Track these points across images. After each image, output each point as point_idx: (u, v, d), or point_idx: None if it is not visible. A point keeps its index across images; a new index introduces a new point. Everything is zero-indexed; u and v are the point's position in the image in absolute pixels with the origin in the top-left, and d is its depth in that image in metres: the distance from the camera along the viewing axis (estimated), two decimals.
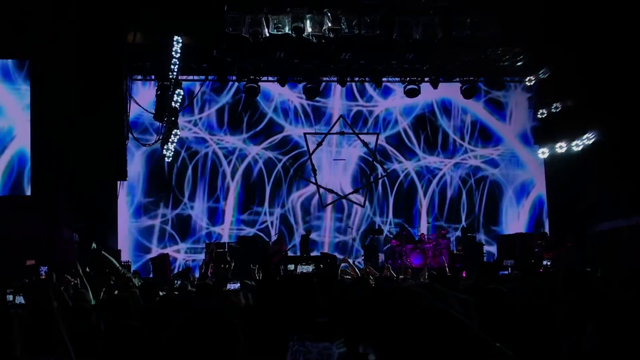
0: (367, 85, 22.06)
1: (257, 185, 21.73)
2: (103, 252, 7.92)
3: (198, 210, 21.32)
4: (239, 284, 6.77)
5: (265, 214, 21.65)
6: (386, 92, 22.41)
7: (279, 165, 21.88)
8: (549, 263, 14.34)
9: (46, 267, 8.15)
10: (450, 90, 21.92)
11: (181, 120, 20.74)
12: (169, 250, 20.66)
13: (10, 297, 3.37)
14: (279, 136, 22.00)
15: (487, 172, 22.69)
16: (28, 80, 17.37)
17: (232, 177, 21.59)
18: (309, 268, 5.16)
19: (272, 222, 21.68)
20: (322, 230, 22.01)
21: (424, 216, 22.22)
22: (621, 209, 19.33)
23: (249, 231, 21.40)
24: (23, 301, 3.25)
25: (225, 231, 21.39)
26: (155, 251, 20.69)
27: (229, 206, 21.54)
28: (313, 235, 21.37)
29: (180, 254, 21.02)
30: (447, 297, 2.47)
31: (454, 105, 22.69)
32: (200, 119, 21.65)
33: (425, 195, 22.44)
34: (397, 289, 1.17)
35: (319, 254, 16.99)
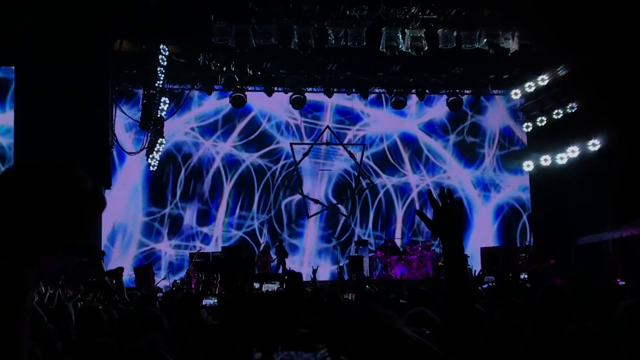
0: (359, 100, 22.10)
1: (246, 190, 21.89)
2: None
3: (189, 211, 21.41)
4: (215, 300, 6.73)
5: (252, 218, 21.81)
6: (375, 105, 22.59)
7: (269, 173, 22.08)
8: (526, 276, 14.36)
9: None
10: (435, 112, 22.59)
11: (178, 122, 21.15)
12: (159, 245, 20.91)
13: None
14: (272, 146, 22.24)
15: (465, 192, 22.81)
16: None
17: (224, 181, 21.75)
18: (274, 287, 5.16)
19: (258, 228, 21.82)
20: (304, 238, 22.11)
21: (399, 230, 22.32)
22: (605, 221, 19.46)
23: (235, 233, 21.60)
24: None
25: (217, 232, 21.51)
26: (146, 245, 20.86)
27: (218, 209, 21.67)
28: (297, 242, 21.77)
29: (170, 249, 21.18)
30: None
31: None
32: (197, 123, 21.79)
33: (402, 209, 22.61)
34: (372, 314, 1.22)
35: (287, 271, 17.02)
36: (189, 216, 21.43)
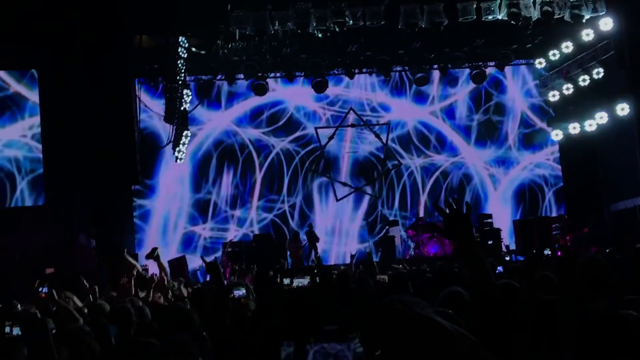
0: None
1: (276, 174, 22.30)
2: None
3: (222, 196, 21.96)
4: (244, 290, 6.72)
5: (282, 202, 22.21)
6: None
7: (297, 158, 22.45)
8: (549, 252, 14.15)
9: (45, 288, 8.11)
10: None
11: (208, 112, 21.90)
12: (196, 228, 21.47)
13: (7, 329, 3.33)
14: (300, 132, 22.61)
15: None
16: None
17: (254, 166, 22.25)
18: (304, 281, 5.11)
19: (288, 211, 22.19)
20: (332, 219, 22.35)
21: (422, 211, 22.41)
22: (639, 186, 19.16)
23: (266, 216, 21.99)
24: (20, 333, 3.23)
25: (249, 215, 21.98)
26: (182, 229, 21.49)
27: (250, 193, 22.14)
28: (326, 224, 22.09)
29: (206, 231, 21.76)
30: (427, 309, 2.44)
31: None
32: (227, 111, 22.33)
33: (427, 190, 22.77)
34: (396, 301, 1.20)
35: (317, 263, 17.06)
36: (223, 200, 21.86)
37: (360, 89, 22.63)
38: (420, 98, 22.85)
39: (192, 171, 21.89)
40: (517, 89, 23.21)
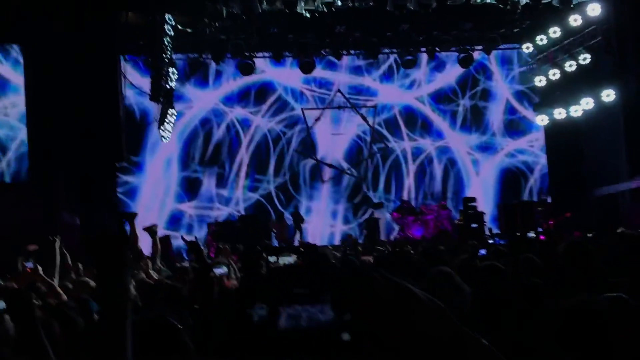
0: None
1: (263, 155, 22.32)
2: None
3: (208, 174, 21.99)
4: (225, 269, 6.72)
5: (268, 182, 22.26)
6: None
7: (284, 139, 22.47)
8: (533, 235, 14.27)
9: (31, 263, 8.04)
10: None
11: (196, 91, 21.92)
12: (183, 206, 21.53)
13: None
14: (288, 113, 22.64)
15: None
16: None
17: (241, 146, 22.25)
18: (290, 260, 5.12)
19: (275, 192, 22.25)
20: (318, 201, 22.40)
21: (406, 194, 22.48)
22: (622, 172, 19.29)
23: (251, 196, 22.08)
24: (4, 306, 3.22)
25: (235, 195, 22.07)
26: (169, 206, 21.55)
27: (236, 172, 22.17)
28: (311, 205, 22.10)
29: (192, 209, 21.81)
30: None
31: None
32: (216, 91, 22.30)
33: (411, 172, 22.88)
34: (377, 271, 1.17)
35: (302, 242, 17.10)
36: (208, 179, 21.90)
37: (348, 72, 22.57)
38: (408, 82, 22.86)
39: (179, 149, 21.87)
40: (503, 75, 23.28)
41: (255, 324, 1.21)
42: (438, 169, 22.81)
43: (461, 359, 1.08)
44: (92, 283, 6.70)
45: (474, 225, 19.42)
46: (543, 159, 23.12)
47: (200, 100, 22.04)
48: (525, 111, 23.07)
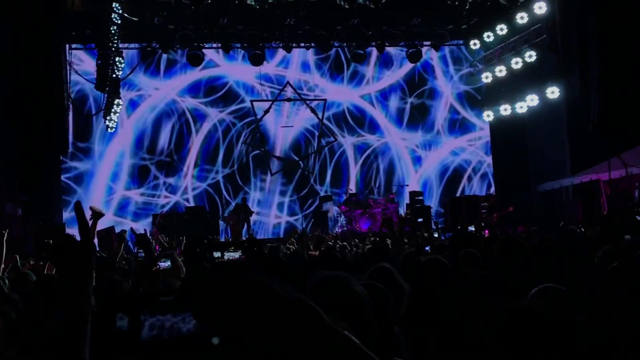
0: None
1: (212, 145, 22.20)
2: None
3: (156, 162, 21.81)
4: (169, 262, 6.65)
5: (216, 172, 22.16)
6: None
7: (233, 130, 22.36)
8: (473, 228, 14.47)
9: None
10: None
11: (147, 79, 21.64)
12: (130, 193, 21.38)
13: None
14: (238, 105, 22.48)
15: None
16: None
17: (191, 135, 22.10)
18: (235, 255, 5.09)
19: (223, 182, 22.16)
20: (265, 192, 22.45)
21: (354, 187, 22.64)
22: (565, 168, 19.72)
23: (199, 185, 21.99)
24: None
25: (182, 183, 21.90)
26: (116, 193, 21.36)
27: (184, 161, 22.02)
28: (259, 197, 22.18)
29: (138, 196, 21.63)
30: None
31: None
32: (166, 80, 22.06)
33: (357, 167, 23.10)
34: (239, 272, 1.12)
35: (246, 239, 17.02)
36: (155, 167, 21.75)
37: (299, 68, 22.63)
38: (356, 79, 23.07)
39: (128, 137, 21.61)
40: (449, 75, 23.64)
41: (118, 335, 1.15)
42: (383, 165, 23.04)
43: (327, 357, 1.06)
44: (34, 277, 6.57)
45: (420, 219, 19.60)
46: (483, 158, 23.54)
47: (152, 90, 21.81)
48: (468, 112, 23.52)
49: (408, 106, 23.33)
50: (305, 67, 22.71)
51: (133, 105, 21.48)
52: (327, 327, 1.07)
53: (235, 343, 1.04)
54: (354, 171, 23.01)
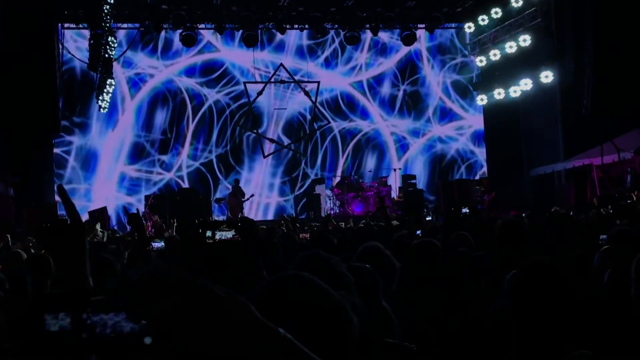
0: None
1: (206, 124, 22.27)
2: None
3: (151, 139, 21.91)
4: (163, 243, 6.64)
5: (210, 151, 22.25)
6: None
7: (227, 111, 22.38)
8: (467, 210, 14.50)
9: None
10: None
11: (144, 59, 21.64)
12: (124, 169, 21.50)
13: None
14: (233, 86, 22.46)
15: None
16: None
17: (185, 114, 22.13)
18: (228, 234, 5.04)
19: (216, 161, 22.24)
20: (256, 174, 22.48)
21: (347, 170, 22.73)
22: (558, 153, 19.75)
23: (192, 163, 22.09)
24: None
25: (176, 161, 21.99)
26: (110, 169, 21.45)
27: (178, 139, 22.07)
28: (252, 177, 22.25)
29: (133, 172, 21.76)
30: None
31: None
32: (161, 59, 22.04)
33: (348, 151, 23.18)
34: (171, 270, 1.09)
35: (240, 218, 16.98)
36: (151, 144, 21.85)
37: (293, 53, 22.56)
38: (350, 65, 23.06)
39: (125, 114, 21.64)
40: (442, 63, 23.61)
41: (53, 334, 1.11)
42: (373, 150, 23.06)
43: (261, 357, 1.05)
44: (24, 255, 6.56)
45: (413, 201, 19.63)
46: (472, 147, 23.58)
47: (148, 68, 21.79)
48: (459, 101, 23.60)
49: (401, 93, 23.33)
50: (300, 53, 22.62)
51: (132, 84, 21.50)
52: (259, 323, 1.06)
53: (165, 343, 1.03)
54: (343, 155, 23.02)
